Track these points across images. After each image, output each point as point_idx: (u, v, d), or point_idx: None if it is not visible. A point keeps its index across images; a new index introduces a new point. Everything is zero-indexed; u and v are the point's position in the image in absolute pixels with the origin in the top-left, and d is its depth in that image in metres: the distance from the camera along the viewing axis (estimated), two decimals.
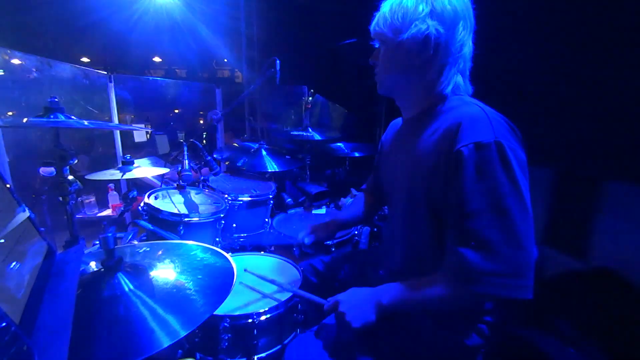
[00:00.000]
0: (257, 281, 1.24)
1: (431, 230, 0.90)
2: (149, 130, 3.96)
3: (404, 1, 0.86)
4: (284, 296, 1.17)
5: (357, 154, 2.66)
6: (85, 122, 1.23)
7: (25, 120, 1.21)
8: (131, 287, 0.75)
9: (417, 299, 0.84)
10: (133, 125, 4.07)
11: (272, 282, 1.20)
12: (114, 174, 1.74)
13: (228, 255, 0.96)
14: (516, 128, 0.82)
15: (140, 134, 3.94)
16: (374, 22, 0.93)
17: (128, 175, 1.73)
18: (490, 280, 0.73)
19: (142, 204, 1.60)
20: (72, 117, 1.23)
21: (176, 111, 5.67)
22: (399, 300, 0.85)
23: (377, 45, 0.98)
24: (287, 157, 2.28)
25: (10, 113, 2.71)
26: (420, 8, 0.84)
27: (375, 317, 0.86)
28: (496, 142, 0.74)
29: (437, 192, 0.85)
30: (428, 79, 0.90)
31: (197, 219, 1.57)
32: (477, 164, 0.75)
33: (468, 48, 0.89)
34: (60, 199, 1.27)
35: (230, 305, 1.14)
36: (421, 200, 0.90)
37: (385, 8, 0.90)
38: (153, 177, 2.60)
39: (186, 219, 1.54)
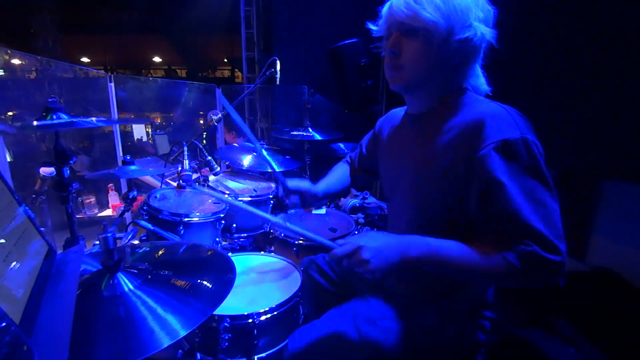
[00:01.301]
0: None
1: (445, 230, 0.87)
2: (150, 131, 3.96)
3: None
4: (284, 296, 1.17)
5: None
6: (94, 119, 1.22)
7: (35, 123, 1.20)
8: (131, 287, 0.75)
9: (457, 258, 0.77)
10: (133, 125, 4.07)
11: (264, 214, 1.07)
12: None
13: (228, 255, 0.96)
14: (527, 118, 0.81)
15: (140, 133, 3.95)
16: (407, 4, 0.80)
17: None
18: (547, 270, 0.73)
19: (142, 204, 1.60)
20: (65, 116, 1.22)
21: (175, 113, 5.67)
22: (432, 256, 0.78)
23: (387, 30, 0.87)
24: (287, 157, 2.28)
25: (10, 113, 2.71)
26: (474, 9, 0.80)
27: (399, 267, 0.78)
28: (523, 138, 0.74)
29: (453, 194, 0.83)
30: (459, 77, 0.88)
31: (197, 219, 1.57)
32: (509, 161, 0.74)
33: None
34: (60, 199, 1.27)
35: (230, 305, 1.14)
36: (435, 202, 0.87)
37: None
38: (153, 177, 2.61)
39: (186, 219, 1.54)
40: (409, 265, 0.78)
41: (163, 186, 1.95)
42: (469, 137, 0.79)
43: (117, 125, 3.42)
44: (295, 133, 2.42)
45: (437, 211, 0.88)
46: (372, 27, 0.91)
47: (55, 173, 1.24)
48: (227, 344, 1.06)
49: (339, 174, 1.30)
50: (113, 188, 3.09)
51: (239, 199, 1.88)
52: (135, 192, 1.70)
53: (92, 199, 3.01)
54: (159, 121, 6.14)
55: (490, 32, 0.83)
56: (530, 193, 0.74)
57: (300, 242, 1.65)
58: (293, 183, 1.15)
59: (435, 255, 0.78)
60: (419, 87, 0.89)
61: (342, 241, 0.82)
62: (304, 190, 1.14)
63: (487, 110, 0.80)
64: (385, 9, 0.87)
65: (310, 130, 2.41)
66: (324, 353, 0.92)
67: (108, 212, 3.05)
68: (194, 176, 1.95)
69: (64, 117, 1.18)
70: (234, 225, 1.89)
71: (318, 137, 2.39)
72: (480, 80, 0.91)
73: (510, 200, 0.73)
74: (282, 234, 1.71)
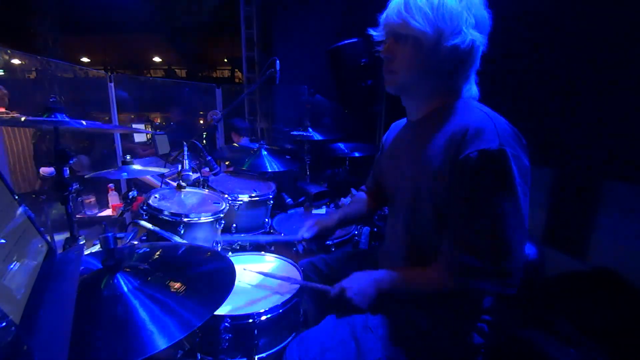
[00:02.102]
0: (262, 278, 1.24)
1: (435, 232, 0.90)
2: (149, 133, 3.94)
3: (447, 2, 0.80)
4: (284, 296, 1.17)
5: (357, 154, 2.66)
6: (84, 122, 1.22)
7: (23, 119, 1.21)
8: (131, 287, 0.75)
9: (412, 286, 0.93)
10: (133, 125, 4.06)
11: (274, 276, 1.20)
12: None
13: (228, 255, 0.96)
14: (521, 135, 0.82)
15: (140, 135, 3.94)
16: (399, 13, 0.84)
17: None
18: (478, 275, 0.81)
19: (142, 204, 1.60)
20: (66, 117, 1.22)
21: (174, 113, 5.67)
22: (397, 287, 0.94)
23: (384, 37, 0.91)
24: (287, 157, 2.28)
25: (10, 113, 2.71)
26: (465, 15, 0.81)
27: (377, 298, 0.94)
28: (500, 149, 0.76)
29: (441, 195, 0.86)
30: (452, 84, 0.90)
31: (197, 219, 1.57)
32: (479, 170, 0.77)
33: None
34: (60, 199, 1.27)
35: (230, 305, 1.14)
36: (426, 203, 0.90)
37: (418, 1, 0.81)
38: (153, 177, 2.61)
39: (186, 219, 1.54)
40: (384, 293, 0.94)
41: (163, 186, 1.95)
42: (455, 144, 0.81)
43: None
44: (295, 133, 2.42)
45: (428, 214, 0.91)
46: (373, 32, 0.95)
47: (55, 173, 1.24)
48: (227, 344, 1.06)
49: (355, 204, 1.39)
50: (113, 188, 3.09)
51: (239, 198, 1.88)
52: (135, 192, 1.70)
53: (92, 199, 3.01)
54: (158, 121, 6.14)
55: (482, 37, 0.84)
56: (488, 204, 0.78)
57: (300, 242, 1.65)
58: (307, 231, 1.27)
59: (398, 287, 0.94)
60: (412, 90, 0.94)
61: (337, 285, 0.99)
62: (321, 233, 1.27)
63: (473, 119, 0.82)
64: (383, 16, 0.91)
65: (310, 130, 2.41)
66: None
67: (108, 212, 3.05)
68: (194, 176, 1.95)
69: (60, 117, 1.18)
70: (234, 225, 1.89)
71: (318, 137, 2.39)
72: (473, 87, 0.93)
73: (464, 206, 0.81)
74: (282, 234, 1.70)
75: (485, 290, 0.88)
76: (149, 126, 4.33)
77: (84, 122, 1.18)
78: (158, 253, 0.96)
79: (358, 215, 1.35)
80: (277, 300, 1.16)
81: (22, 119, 1.21)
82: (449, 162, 0.82)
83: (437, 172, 0.85)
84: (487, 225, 0.79)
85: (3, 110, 2.51)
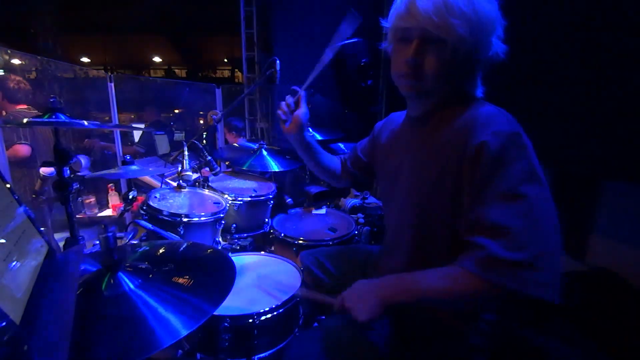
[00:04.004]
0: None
1: (443, 232, 0.87)
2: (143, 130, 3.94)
3: (484, 7, 0.76)
4: (284, 296, 1.17)
5: None
6: (85, 122, 1.23)
7: (25, 120, 1.22)
8: (132, 286, 0.75)
9: (426, 291, 0.77)
10: (133, 124, 4.07)
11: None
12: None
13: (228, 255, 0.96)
14: (519, 124, 0.81)
15: (140, 133, 3.94)
16: (439, 11, 0.75)
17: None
18: (510, 271, 0.67)
19: (142, 204, 1.60)
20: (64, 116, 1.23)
21: (176, 111, 5.67)
22: (404, 293, 0.80)
23: (409, 35, 0.82)
24: (287, 157, 2.28)
25: (32, 110, 2.71)
26: (497, 26, 0.80)
27: (381, 309, 0.79)
28: (515, 132, 0.74)
29: (449, 192, 0.82)
30: (467, 85, 0.89)
31: (197, 219, 1.57)
32: (495, 151, 0.72)
33: None
34: (60, 199, 1.27)
35: (230, 305, 1.14)
36: (433, 200, 0.87)
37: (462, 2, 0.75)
38: (153, 177, 2.61)
39: (186, 219, 1.54)
40: (392, 304, 0.79)
41: (163, 186, 1.95)
42: (463, 133, 0.79)
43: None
44: None
45: (434, 211, 0.87)
46: (385, 24, 0.88)
47: (55, 173, 1.24)
48: (227, 344, 1.06)
49: (330, 156, 1.32)
50: (113, 188, 3.09)
51: (239, 198, 1.88)
52: (135, 192, 1.70)
53: (92, 199, 3.01)
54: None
55: (504, 49, 0.83)
56: (510, 183, 0.71)
57: (300, 242, 1.66)
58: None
59: (406, 293, 0.79)
60: (430, 95, 0.89)
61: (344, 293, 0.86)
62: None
63: (482, 110, 0.81)
64: (404, 8, 0.80)
65: (310, 130, 2.41)
66: None
67: (108, 212, 3.05)
68: (194, 176, 1.95)
69: (62, 118, 1.18)
70: (234, 225, 1.89)
71: (318, 137, 2.38)
72: (477, 82, 0.92)
73: (484, 190, 0.72)
74: (282, 234, 1.71)
75: (520, 292, 0.67)
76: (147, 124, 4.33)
77: (85, 122, 1.18)
78: (158, 252, 0.96)
79: (323, 163, 1.27)
80: (277, 300, 1.16)
81: (24, 120, 1.21)
82: (458, 150, 0.78)
83: (443, 170, 0.82)
84: (511, 204, 0.69)
85: (25, 107, 2.51)
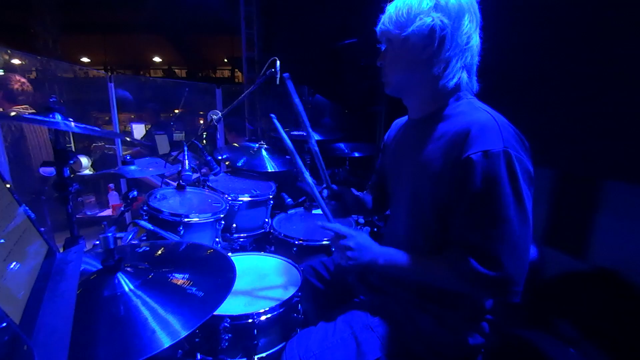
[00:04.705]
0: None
1: (436, 232, 0.90)
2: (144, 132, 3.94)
3: (414, 7, 0.86)
4: (284, 296, 1.17)
5: (357, 154, 2.66)
6: (84, 126, 1.22)
7: (13, 113, 1.20)
8: (131, 287, 0.75)
9: (412, 272, 0.90)
10: (132, 125, 4.06)
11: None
12: None
13: (228, 255, 0.96)
14: (524, 138, 0.82)
15: (140, 133, 3.94)
16: (380, 23, 0.94)
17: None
18: (484, 282, 0.78)
19: (142, 204, 1.60)
20: (70, 119, 1.22)
21: (176, 111, 5.66)
22: (393, 266, 0.91)
23: (383, 47, 0.98)
24: (287, 157, 2.28)
25: (12, 113, 2.71)
26: (425, 3, 0.85)
27: (366, 268, 0.94)
28: (505, 151, 0.75)
29: (442, 196, 0.85)
30: (434, 73, 0.89)
31: (197, 219, 1.57)
32: (484, 172, 0.77)
33: (475, 42, 0.88)
34: (60, 199, 1.27)
35: (230, 305, 1.14)
36: (426, 203, 0.90)
37: (390, 8, 0.91)
38: (153, 177, 2.61)
39: (186, 219, 1.54)
40: (373, 269, 0.94)
41: (163, 186, 1.95)
42: (457, 144, 0.81)
43: (117, 125, 3.42)
44: (295, 133, 2.42)
45: (428, 214, 0.90)
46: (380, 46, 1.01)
47: (55, 173, 1.24)
48: (227, 344, 1.06)
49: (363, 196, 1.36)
50: (113, 188, 3.09)
51: (239, 198, 1.88)
52: (135, 192, 1.70)
53: (92, 199, 3.01)
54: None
55: (444, 18, 0.84)
56: (496, 208, 0.76)
57: (300, 242, 1.65)
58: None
59: (395, 271, 0.92)
60: (406, 88, 0.97)
61: (340, 223, 0.97)
62: (346, 192, 1.26)
63: (476, 120, 0.82)
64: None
65: (310, 130, 2.41)
66: None
67: (108, 212, 3.05)
68: (194, 176, 1.95)
69: (58, 118, 1.18)
70: (234, 225, 1.89)
71: (318, 137, 2.39)
72: (471, 81, 0.92)
73: (473, 210, 0.79)
74: (282, 234, 1.71)
75: (490, 297, 0.88)
76: (149, 126, 4.32)
77: (72, 124, 1.17)
78: (158, 252, 0.96)
79: (366, 209, 1.33)
80: (276, 300, 1.16)
81: (13, 114, 1.20)
82: (450, 162, 0.82)
83: (438, 173, 0.85)
84: (496, 229, 0.77)
85: (23, 107, 2.51)
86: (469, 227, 0.80)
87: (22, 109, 2.49)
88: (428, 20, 0.84)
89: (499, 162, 0.75)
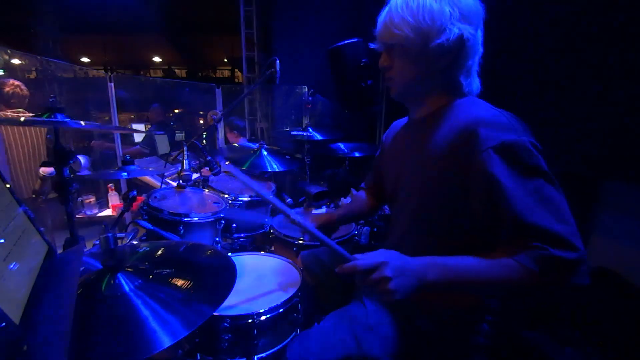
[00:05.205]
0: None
1: (446, 232, 0.88)
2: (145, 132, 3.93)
3: (424, 3, 0.82)
4: (284, 296, 1.17)
5: (357, 154, 2.65)
6: (82, 123, 1.22)
7: (22, 118, 1.21)
8: (132, 287, 0.75)
9: (476, 278, 0.74)
10: (132, 125, 4.06)
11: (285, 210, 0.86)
12: None
13: (228, 255, 0.96)
14: (524, 123, 0.81)
15: (139, 136, 3.94)
16: (385, 25, 0.88)
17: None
18: (567, 270, 0.71)
19: (142, 204, 1.60)
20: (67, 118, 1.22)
21: (176, 111, 5.66)
22: (451, 279, 0.75)
23: (382, 48, 0.94)
24: (287, 157, 2.28)
25: (11, 113, 2.71)
26: (447, 10, 0.81)
27: (417, 292, 0.74)
28: (521, 139, 0.74)
29: (454, 194, 0.82)
30: (453, 80, 0.89)
31: (197, 219, 1.57)
32: (509, 162, 0.74)
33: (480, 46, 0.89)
34: (60, 199, 1.27)
35: (230, 305, 1.14)
36: (435, 202, 0.87)
37: (400, 8, 0.85)
38: (153, 177, 2.61)
39: (186, 219, 1.54)
40: (426, 288, 0.74)
41: (163, 186, 1.95)
42: (465, 140, 0.79)
43: (117, 125, 3.42)
44: (295, 133, 2.42)
45: (435, 213, 0.88)
46: (372, 45, 0.97)
47: (55, 173, 1.24)
48: (227, 344, 1.06)
49: (355, 202, 1.36)
50: (113, 188, 3.09)
51: (239, 198, 1.88)
52: (135, 192, 1.70)
53: (92, 199, 3.01)
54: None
55: (470, 28, 0.83)
56: (535, 192, 0.73)
57: (300, 241, 1.66)
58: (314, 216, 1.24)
59: (453, 278, 0.75)
60: (413, 93, 0.95)
61: (360, 255, 0.76)
62: (325, 224, 1.22)
63: (483, 114, 0.81)
64: (376, 30, 0.95)
65: (310, 130, 2.41)
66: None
67: (108, 212, 3.05)
68: (194, 176, 1.95)
69: (61, 118, 1.18)
70: (234, 225, 1.89)
71: (318, 137, 2.39)
72: (474, 80, 0.92)
73: (514, 202, 0.72)
74: (282, 234, 1.71)
75: (568, 284, 0.72)
76: (149, 126, 4.32)
77: (82, 122, 1.18)
78: (159, 252, 0.96)
79: (358, 213, 1.32)
80: (276, 300, 1.16)
81: (22, 119, 1.21)
82: (464, 159, 0.79)
83: (443, 172, 0.83)
84: (547, 211, 0.71)
85: (22, 111, 2.50)
86: (522, 217, 0.72)
87: (14, 112, 2.47)
88: (456, 30, 0.81)
89: (519, 151, 0.74)
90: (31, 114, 2.52)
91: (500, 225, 0.75)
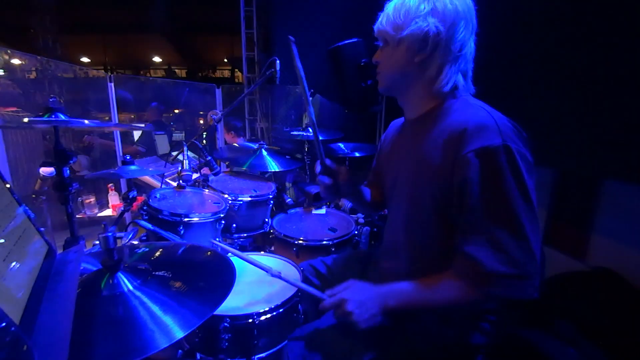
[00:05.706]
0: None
1: (438, 232, 0.89)
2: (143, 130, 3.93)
3: (407, 0, 0.87)
4: (285, 296, 1.17)
5: (357, 154, 2.66)
6: (86, 121, 1.23)
7: (26, 120, 1.22)
8: (131, 287, 0.75)
9: (426, 300, 0.84)
10: (133, 124, 4.06)
11: (268, 270, 1.08)
12: None
13: (228, 255, 0.96)
14: (521, 129, 0.81)
15: (138, 135, 3.94)
16: (377, 22, 0.95)
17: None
18: (502, 282, 0.76)
19: (142, 204, 1.60)
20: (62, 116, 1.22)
21: (176, 111, 5.66)
22: (407, 303, 0.85)
23: (380, 44, 0.98)
24: (287, 157, 2.28)
25: (10, 112, 2.71)
26: (422, 6, 0.85)
27: (382, 318, 0.84)
28: (504, 145, 0.75)
29: (442, 195, 0.84)
30: (427, 77, 0.90)
31: (197, 219, 1.57)
32: (486, 168, 0.76)
33: (469, 49, 0.89)
34: (60, 199, 1.27)
35: (230, 305, 1.14)
36: (426, 202, 0.89)
37: (389, 8, 0.92)
38: (153, 177, 2.61)
39: (186, 219, 1.54)
40: (391, 313, 0.85)
41: (163, 186, 1.95)
42: (455, 142, 0.81)
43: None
44: (295, 133, 2.42)
45: (427, 212, 0.90)
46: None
47: (55, 173, 1.24)
48: (227, 344, 1.06)
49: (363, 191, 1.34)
50: (113, 188, 3.09)
51: (239, 198, 1.88)
52: (135, 192, 1.70)
53: (92, 199, 3.01)
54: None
55: (439, 24, 0.84)
56: (502, 202, 0.75)
57: (300, 241, 1.66)
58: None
59: (409, 301, 0.85)
60: (399, 88, 0.98)
61: (330, 292, 0.91)
62: (341, 170, 1.20)
63: (472, 116, 0.81)
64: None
65: (310, 130, 2.41)
66: (323, 358, 0.92)
67: (108, 212, 3.05)
68: (194, 176, 1.95)
69: (61, 117, 1.18)
70: (234, 225, 1.90)
71: (319, 137, 2.38)
72: (465, 81, 0.92)
73: (479, 207, 0.77)
74: (282, 234, 1.71)
75: (507, 298, 0.78)
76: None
77: (86, 121, 1.18)
78: (158, 252, 0.96)
79: (364, 196, 1.30)
80: (276, 300, 1.16)
81: (25, 119, 1.21)
82: (450, 160, 0.81)
83: (437, 171, 0.85)
84: (504, 223, 0.75)
85: (15, 109, 2.51)
86: (477, 227, 0.78)
87: (12, 113, 2.47)
88: (423, 24, 0.85)
89: (499, 157, 0.75)
90: (27, 113, 2.52)
91: (462, 222, 0.81)
